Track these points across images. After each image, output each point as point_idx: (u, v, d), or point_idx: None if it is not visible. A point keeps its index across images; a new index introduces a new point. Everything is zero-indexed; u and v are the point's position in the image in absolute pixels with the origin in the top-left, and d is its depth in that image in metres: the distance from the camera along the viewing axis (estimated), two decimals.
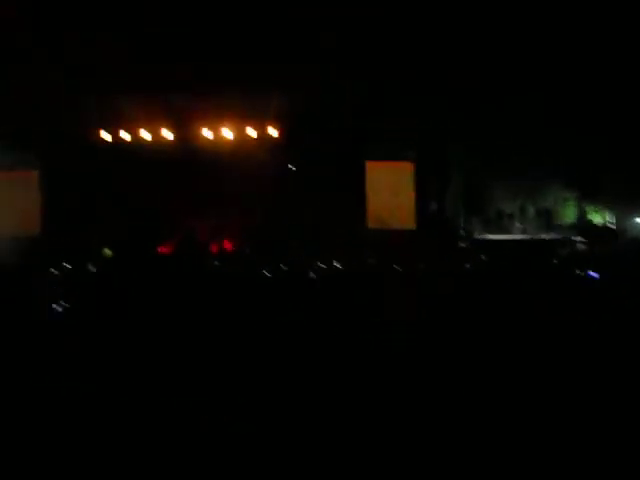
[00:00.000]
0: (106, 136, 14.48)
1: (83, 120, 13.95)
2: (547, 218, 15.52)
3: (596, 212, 15.78)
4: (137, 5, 12.03)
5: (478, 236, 14.75)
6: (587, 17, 12.40)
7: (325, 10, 12.11)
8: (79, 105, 13.68)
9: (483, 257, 10.44)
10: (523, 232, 15.31)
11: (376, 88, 13.59)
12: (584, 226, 15.10)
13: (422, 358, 5.15)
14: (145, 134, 14.41)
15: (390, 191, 14.34)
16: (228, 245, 13.77)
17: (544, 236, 14.86)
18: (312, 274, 10.42)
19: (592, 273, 8.20)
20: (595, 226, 15.37)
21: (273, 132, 14.18)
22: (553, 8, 12.40)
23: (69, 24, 12.39)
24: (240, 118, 14.07)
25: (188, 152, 14.10)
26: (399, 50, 13.27)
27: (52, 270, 11.03)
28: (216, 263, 11.62)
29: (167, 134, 14.38)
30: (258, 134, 14.17)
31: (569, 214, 15.75)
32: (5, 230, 13.90)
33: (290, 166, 14.31)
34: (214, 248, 13.56)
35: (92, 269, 11.27)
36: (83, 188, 14.06)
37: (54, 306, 7.03)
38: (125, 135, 14.46)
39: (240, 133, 14.22)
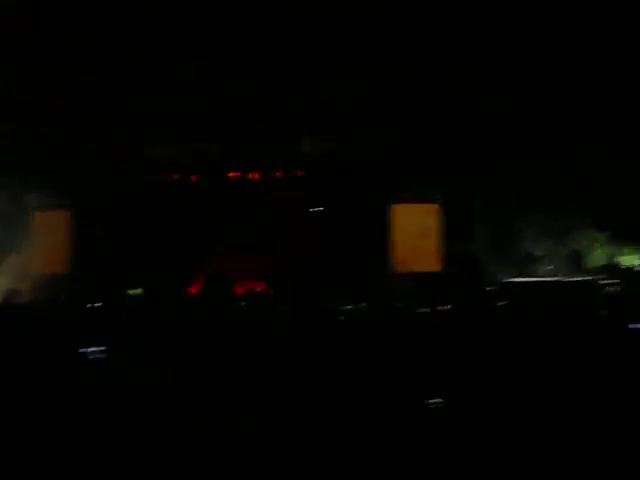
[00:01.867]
0: (136, 180, 14.80)
1: (115, 165, 14.32)
2: (577, 260, 15.31)
3: (628, 253, 15.54)
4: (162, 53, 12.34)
5: (505, 279, 14.58)
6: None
7: (348, 56, 12.30)
8: (112, 151, 14.06)
9: (504, 302, 10.29)
10: (553, 274, 15.10)
11: (401, 131, 13.69)
12: (614, 269, 14.85)
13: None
14: (174, 178, 14.71)
15: (416, 234, 14.33)
16: (254, 286, 13.84)
17: (573, 279, 14.63)
18: (339, 317, 10.37)
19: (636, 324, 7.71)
20: (626, 269, 15.10)
21: (297, 175, 14.33)
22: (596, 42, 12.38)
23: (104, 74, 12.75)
24: (265, 161, 14.27)
25: (215, 195, 14.31)
26: (426, 94, 13.38)
27: (79, 308, 11.17)
28: (242, 304, 11.64)
29: (196, 178, 14.65)
30: (283, 177, 14.34)
31: (599, 256, 15.53)
32: (36, 268, 14.25)
33: (314, 209, 14.41)
34: (239, 290, 13.62)
35: (118, 308, 11.36)
36: (112, 229, 14.34)
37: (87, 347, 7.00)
38: (154, 179, 14.76)
39: (265, 176, 14.41)
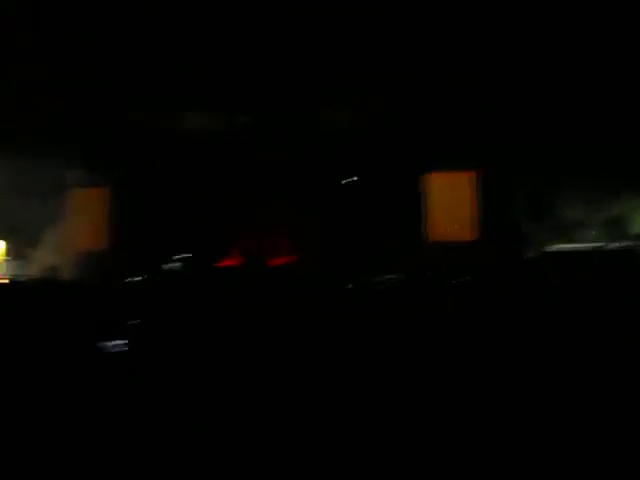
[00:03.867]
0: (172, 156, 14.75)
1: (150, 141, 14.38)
2: (619, 226, 14.89)
3: None
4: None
5: (547, 247, 14.26)
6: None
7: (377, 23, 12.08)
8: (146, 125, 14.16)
9: (545, 270, 10.04)
10: (596, 241, 14.72)
11: (437, 97, 13.42)
12: None
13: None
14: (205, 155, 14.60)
15: (452, 202, 14.07)
16: (287, 258, 13.83)
17: (618, 245, 14.24)
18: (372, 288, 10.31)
19: None
20: None
21: (329, 145, 14.08)
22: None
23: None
24: (294, 133, 14.09)
25: (246, 170, 14.19)
26: (464, 58, 13.09)
27: (118, 284, 11.34)
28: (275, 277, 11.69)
29: (226, 154, 14.48)
30: (313, 148, 14.11)
31: None
32: (76, 245, 14.53)
33: (349, 178, 14.26)
34: (275, 261, 13.65)
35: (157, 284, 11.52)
36: (149, 206, 14.46)
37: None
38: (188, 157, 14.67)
39: (294, 148, 14.18)
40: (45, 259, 14.35)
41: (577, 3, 11.99)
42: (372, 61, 12.70)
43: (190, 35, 12.56)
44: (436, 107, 13.58)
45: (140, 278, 12.21)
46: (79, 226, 14.82)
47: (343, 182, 14.18)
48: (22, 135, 13.67)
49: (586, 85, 13.22)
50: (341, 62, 12.72)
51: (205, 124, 14.51)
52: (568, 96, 13.35)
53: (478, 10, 12.32)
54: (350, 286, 10.38)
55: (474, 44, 12.66)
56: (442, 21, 12.65)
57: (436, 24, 12.68)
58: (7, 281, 12.21)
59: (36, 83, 12.83)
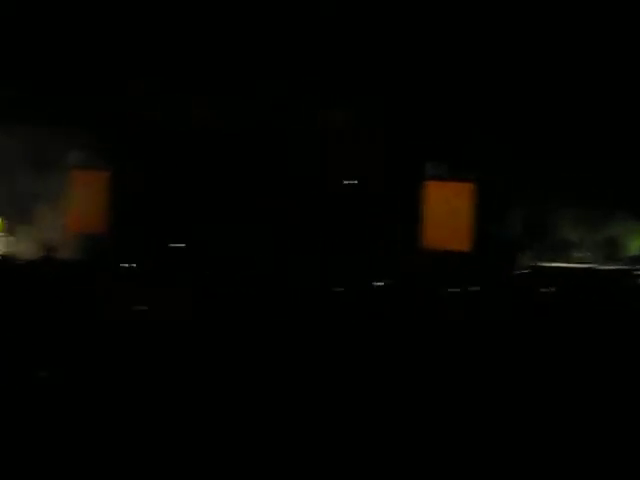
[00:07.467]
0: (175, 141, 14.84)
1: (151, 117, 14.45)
2: (613, 248, 15.04)
3: None
4: None
5: (538, 263, 14.40)
6: None
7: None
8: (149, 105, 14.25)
9: (536, 285, 10.20)
10: (586, 262, 14.87)
11: (439, 108, 13.55)
12: None
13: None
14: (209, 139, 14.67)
15: (448, 211, 14.16)
16: None
17: (608, 267, 14.41)
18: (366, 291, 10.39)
19: None
20: None
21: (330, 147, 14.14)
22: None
23: None
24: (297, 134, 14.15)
25: (252, 161, 14.22)
26: (467, 73, 13.24)
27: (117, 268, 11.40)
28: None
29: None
30: (314, 150, 14.18)
31: (636, 245, 15.23)
32: (74, 226, 14.53)
33: (348, 181, 14.34)
34: None
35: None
36: (150, 192, 14.52)
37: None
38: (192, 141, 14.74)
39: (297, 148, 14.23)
40: (41, 238, 14.33)
41: None
42: (374, 65, 12.88)
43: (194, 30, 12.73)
44: (438, 114, 13.72)
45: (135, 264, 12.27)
46: (78, 207, 14.82)
47: (345, 183, 14.25)
48: (28, 112, 13.75)
49: (587, 103, 13.39)
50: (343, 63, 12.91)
51: (208, 116, 14.61)
52: (569, 114, 13.52)
53: (484, 18, 12.48)
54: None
55: (478, 54, 12.81)
56: (446, 28, 12.81)
57: (440, 31, 12.83)
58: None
59: (45, 65, 12.96)
